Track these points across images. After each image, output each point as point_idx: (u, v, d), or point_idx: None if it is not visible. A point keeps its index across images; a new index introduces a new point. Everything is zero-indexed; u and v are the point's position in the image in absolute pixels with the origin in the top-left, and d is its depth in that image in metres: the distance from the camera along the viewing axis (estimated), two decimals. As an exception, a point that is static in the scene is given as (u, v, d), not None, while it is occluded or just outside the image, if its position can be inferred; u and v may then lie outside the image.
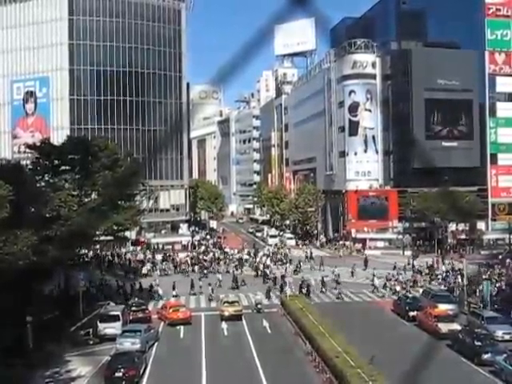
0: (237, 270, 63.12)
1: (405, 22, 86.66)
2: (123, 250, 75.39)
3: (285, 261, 67.83)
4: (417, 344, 30.40)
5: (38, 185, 41.89)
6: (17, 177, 32.49)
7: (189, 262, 67.18)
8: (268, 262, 66.48)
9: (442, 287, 51.09)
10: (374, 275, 53.79)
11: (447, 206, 71.44)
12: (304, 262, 67.01)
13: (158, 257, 71.34)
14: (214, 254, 73.28)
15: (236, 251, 74.98)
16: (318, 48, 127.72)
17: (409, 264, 62.48)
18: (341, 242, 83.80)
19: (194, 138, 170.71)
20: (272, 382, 27.98)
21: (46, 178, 46.82)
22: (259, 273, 61.00)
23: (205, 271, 61.71)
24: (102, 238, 53.45)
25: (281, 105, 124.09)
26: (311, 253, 72.52)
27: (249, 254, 73.05)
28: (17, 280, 29.73)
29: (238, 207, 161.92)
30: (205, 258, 69.86)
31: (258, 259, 68.19)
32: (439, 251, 73.04)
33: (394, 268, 59.44)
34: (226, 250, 77.66)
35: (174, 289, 51.03)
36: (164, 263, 67.57)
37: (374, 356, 26.15)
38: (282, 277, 54.85)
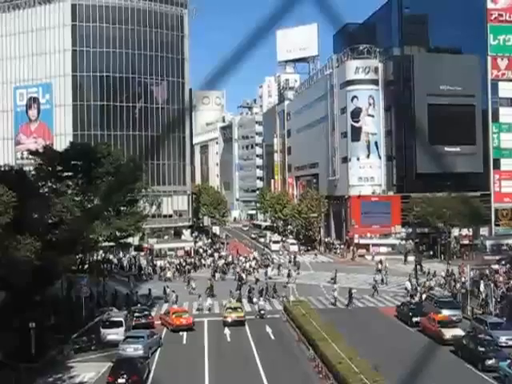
0: (224, 274, 63.62)
1: (407, 27, 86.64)
2: (127, 256, 75.36)
3: (268, 264, 68.36)
4: (420, 350, 30.30)
5: (40, 191, 41.93)
6: (20, 183, 32.55)
7: (176, 267, 67.45)
8: (247, 266, 66.67)
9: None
10: (409, 280, 53.89)
11: (454, 211, 71.31)
12: (285, 267, 66.95)
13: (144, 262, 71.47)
14: (199, 260, 73.21)
15: (223, 256, 75.59)
16: (320, 54, 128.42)
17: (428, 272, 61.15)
18: (337, 248, 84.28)
19: (197, 143, 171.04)
20: (275, 388, 27.94)
21: (49, 184, 46.88)
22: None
23: (187, 276, 61.60)
24: (105, 243, 53.42)
25: (283, 110, 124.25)
26: (294, 257, 72.60)
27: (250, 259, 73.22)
28: (20, 285, 29.76)
29: (241, 213, 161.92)
30: (190, 262, 70.13)
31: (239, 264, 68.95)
32: (443, 256, 72.98)
33: (428, 274, 58.52)
34: (222, 253, 78.38)
35: (149, 295, 50.84)
36: (149, 268, 67.69)
37: (377, 365, 26.11)
38: (257, 281, 55.68)
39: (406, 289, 52.44)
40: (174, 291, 50.38)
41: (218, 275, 63.03)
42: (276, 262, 72.39)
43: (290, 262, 71.16)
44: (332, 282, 56.17)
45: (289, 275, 58.36)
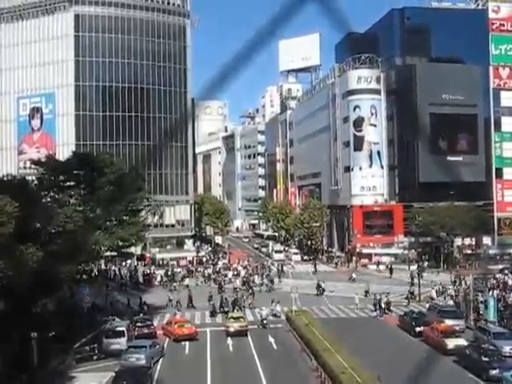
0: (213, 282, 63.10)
1: (409, 37, 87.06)
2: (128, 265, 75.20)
3: (263, 273, 68.05)
4: (423, 360, 30.13)
5: (43, 200, 41.91)
6: (22, 193, 32.54)
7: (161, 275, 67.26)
8: (230, 275, 66.34)
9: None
10: (433, 288, 53.92)
11: (457, 220, 71.26)
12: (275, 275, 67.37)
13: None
14: (188, 269, 72.73)
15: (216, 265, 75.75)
16: (322, 63, 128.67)
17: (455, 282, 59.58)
18: (339, 257, 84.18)
19: (200, 153, 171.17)
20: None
21: (52, 194, 46.89)
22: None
23: (174, 285, 61.34)
24: (108, 253, 53.29)
25: (285, 120, 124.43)
26: (282, 266, 72.76)
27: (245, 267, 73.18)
28: (22, 295, 29.71)
29: (244, 222, 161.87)
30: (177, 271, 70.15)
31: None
32: (445, 266, 72.83)
33: (455, 283, 57.81)
34: (224, 261, 78.75)
35: (128, 305, 50.36)
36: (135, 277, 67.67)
37: (380, 375, 25.98)
38: (234, 289, 55.80)
39: (431, 298, 52.04)
40: (145, 302, 49.87)
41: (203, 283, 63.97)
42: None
43: (278, 271, 70.86)
44: (365, 294, 54.65)
45: (319, 286, 57.97)
